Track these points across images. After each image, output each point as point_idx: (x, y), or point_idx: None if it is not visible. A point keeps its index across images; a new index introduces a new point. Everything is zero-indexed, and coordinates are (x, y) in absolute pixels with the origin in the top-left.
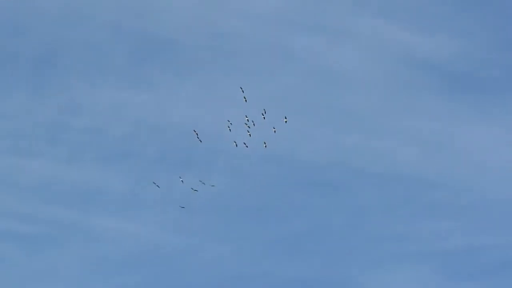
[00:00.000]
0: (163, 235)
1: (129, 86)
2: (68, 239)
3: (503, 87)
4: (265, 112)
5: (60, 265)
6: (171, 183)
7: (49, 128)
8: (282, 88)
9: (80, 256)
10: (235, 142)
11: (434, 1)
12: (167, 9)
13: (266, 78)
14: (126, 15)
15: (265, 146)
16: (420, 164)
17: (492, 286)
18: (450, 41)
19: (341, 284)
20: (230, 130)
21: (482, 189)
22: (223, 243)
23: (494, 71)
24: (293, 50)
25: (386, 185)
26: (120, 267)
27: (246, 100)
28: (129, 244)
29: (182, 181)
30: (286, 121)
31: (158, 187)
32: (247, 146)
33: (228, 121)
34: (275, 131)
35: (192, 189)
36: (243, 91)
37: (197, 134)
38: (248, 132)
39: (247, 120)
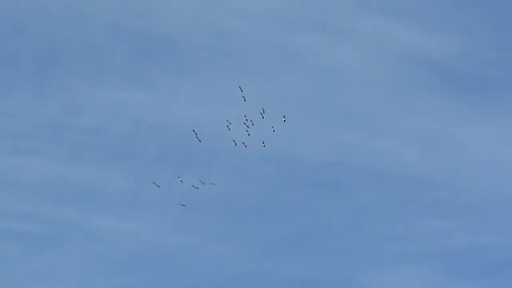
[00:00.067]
0: (163, 234)
1: (129, 86)
2: (68, 238)
3: (504, 86)
4: (264, 112)
5: (60, 265)
6: (171, 183)
7: (50, 128)
8: (282, 88)
9: (80, 256)
10: (234, 142)
11: (435, 0)
12: (167, 9)
13: (267, 78)
14: (127, 15)
15: (264, 145)
16: (420, 164)
17: (493, 286)
18: (451, 41)
19: (341, 284)
20: (229, 129)
21: (482, 189)
22: (223, 243)
23: (495, 70)
24: (294, 49)
25: (386, 185)
26: (120, 267)
27: (245, 100)
28: (129, 244)
29: (181, 181)
30: (284, 120)
31: (158, 187)
32: (246, 146)
33: (227, 120)
34: (273, 130)
35: (193, 186)
36: (242, 91)
37: (196, 133)
38: (247, 131)
39: (246, 119)
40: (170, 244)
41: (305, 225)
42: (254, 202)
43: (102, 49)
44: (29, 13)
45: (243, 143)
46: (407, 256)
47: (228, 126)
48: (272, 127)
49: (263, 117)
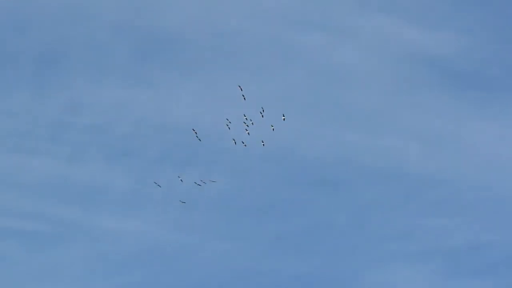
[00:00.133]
0: (165, 233)
1: (131, 84)
2: (70, 237)
3: (507, 84)
4: (263, 111)
5: (61, 264)
6: (173, 182)
7: (51, 127)
8: (284, 86)
9: (82, 255)
10: (234, 140)
11: None
12: (169, 8)
13: (269, 76)
14: (128, 14)
15: (263, 145)
16: (423, 162)
17: (496, 283)
18: (454, 39)
19: (343, 282)
20: (229, 128)
21: (486, 186)
22: (224, 242)
23: (497, 68)
24: (295, 48)
25: (389, 183)
26: (122, 265)
27: (245, 98)
28: (131, 242)
29: (181, 180)
30: (284, 119)
31: (159, 186)
32: (245, 145)
33: (227, 119)
34: (273, 129)
35: (195, 183)
36: (241, 89)
37: (196, 133)
38: (247, 130)
39: (246, 119)
40: (172, 243)
41: (306, 224)
42: (255, 201)
43: (103, 48)
44: (30, 12)
45: (243, 142)
46: (410, 253)
47: (228, 125)
48: (272, 126)
49: (262, 116)
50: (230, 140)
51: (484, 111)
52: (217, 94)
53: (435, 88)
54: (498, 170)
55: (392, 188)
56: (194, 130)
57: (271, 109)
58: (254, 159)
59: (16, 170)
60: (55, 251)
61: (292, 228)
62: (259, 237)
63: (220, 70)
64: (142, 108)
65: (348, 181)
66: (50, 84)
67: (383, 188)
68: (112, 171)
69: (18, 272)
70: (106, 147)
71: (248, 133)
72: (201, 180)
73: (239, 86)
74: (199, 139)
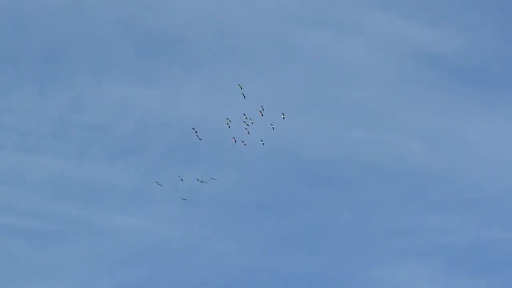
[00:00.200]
0: (169, 230)
1: (135, 82)
2: (74, 234)
3: (510, 81)
4: (263, 109)
5: (65, 261)
6: (176, 179)
7: (55, 125)
8: (287, 84)
9: (86, 252)
10: (233, 138)
11: None
12: (172, 6)
13: (272, 75)
14: (131, 13)
15: (263, 144)
16: (427, 159)
17: (499, 281)
18: (457, 35)
19: (347, 279)
20: (229, 127)
21: (489, 184)
22: (227, 239)
23: (501, 65)
24: (299, 45)
25: (393, 180)
26: (125, 263)
27: (244, 97)
28: (134, 240)
29: (181, 180)
30: (284, 118)
31: (161, 185)
32: (245, 144)
33: (227, 118)
34: (273, 128)
35: (198, 179)
36: (241, 88)
37: (196, 132)
38: (247, 129)
39: (246, 118)
40: (175, 240)
41: (310, 221)
42: (260, 198)
43: (105, 47)
44: (34, 11)
45: (243, 141)
46: (413, 251)
47: (228, 124)
48: (272, 125)
49: (262, 115)
50: (230, 139)
51: (488, 108)
52: (222, 91)
53: (438, 86)
54: (501, 168)
55: (394, 186)
56: (194, 129)
57: (274, 108)
58: (256, 157)
59: (19, 168)
60: (58, 248)
61: (294, 226)
62: (261, 235)
63: (224, 67)
64: (147, 105)
65: (350, 179)
66: (53, 82)
67: (386, 186)
68: (116, 168)
69: (21, 269)
70: (110, 144)
71: (248, 132)
72: (202, 179)
73: (239, 85)
74: (199, 138)
